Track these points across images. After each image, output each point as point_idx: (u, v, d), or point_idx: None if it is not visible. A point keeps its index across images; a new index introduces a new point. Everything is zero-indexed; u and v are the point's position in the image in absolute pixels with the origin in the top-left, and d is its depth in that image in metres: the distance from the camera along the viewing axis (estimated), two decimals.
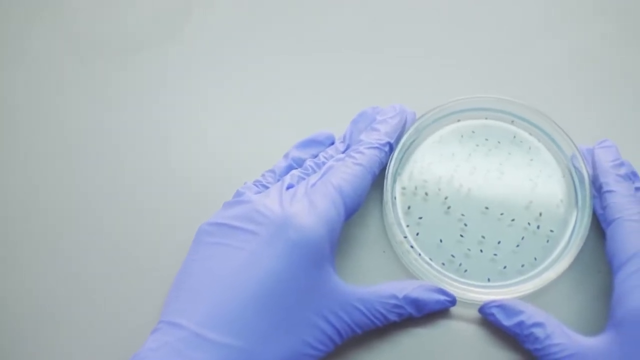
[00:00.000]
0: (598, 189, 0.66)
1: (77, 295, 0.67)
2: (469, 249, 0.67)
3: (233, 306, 0.58)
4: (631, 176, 0.67)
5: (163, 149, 0.73)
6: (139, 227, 0.70)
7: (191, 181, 0.72)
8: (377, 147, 0.66)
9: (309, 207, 0.61)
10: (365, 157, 0.65)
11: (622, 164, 0.66)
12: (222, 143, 0.73)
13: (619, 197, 0.64)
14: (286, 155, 0.69)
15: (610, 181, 0.65)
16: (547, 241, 0.67)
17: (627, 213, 0.63)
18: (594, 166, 0.67)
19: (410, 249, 0.66)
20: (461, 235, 0.68)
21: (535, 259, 0.67)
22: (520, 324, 0.62)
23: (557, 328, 0.61)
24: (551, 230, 0.68)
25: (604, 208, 0.65)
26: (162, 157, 0.73)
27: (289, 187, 0.65)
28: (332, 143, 0.70)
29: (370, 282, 0.64)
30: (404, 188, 0.69)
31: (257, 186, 0.66)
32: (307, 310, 0.59)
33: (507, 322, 0.63)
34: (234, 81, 0.76)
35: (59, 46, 0.79)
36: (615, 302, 0.61)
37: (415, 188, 0.69)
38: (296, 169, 0.68)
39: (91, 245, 0.69)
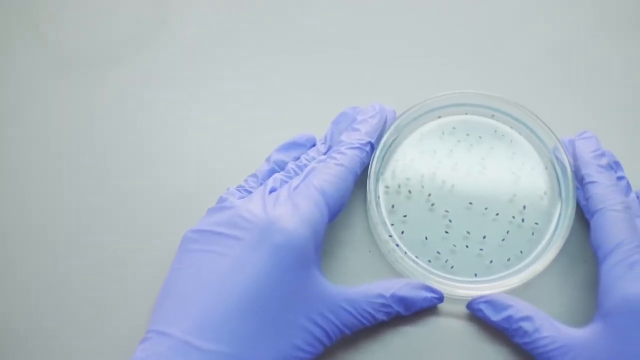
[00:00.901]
0: (580, 181, 0.66)
1: (64, 307, 0.67)
2: (454, 245, 0.67)
3: (220, 313, 0.58)
4: (613, 166, 0.67)
5: (146, 158, 0.73)
6: (123, 236, 0.70)
7: (175, 189, 0.71)
8: (358, 148, 0.66)
9: (292, 210, 0.61)
10: (347, 157, 0.65)
11: (603, 155, 0.67)
12: (205, 150, 0.73)
13: (602, 187, 0.64)
14: (268, 159, 0.69)
15: (592, 172, 0.65)
16: (533, 234, 0.68)
17: (610, 203, 0.63)
18: (575, 158, 0.67)
19: (396, 248, 0.66)
20: (446, 232, 0.68)
21: (522, 252, 0.67)
22: (509, 318, 0.62)
23: (546, 321, 0.61)
24: (536, 223, 0.68)
25: (587, 199, 0.65)
26: (146, 166, 0.73)
27: (272, 191, 0.64)
28: (314, 145, 0.70)
29: (358, 282, 0.64)
30: (387, 187, 0.69)
31: (240, 191, 0.66)
32: (295, 313, 0.59)
33: (495, 317, 0.63)
34: (213, 88, 0.76)
35: (38, 60, 0.78)
36: (602, 293, 0.61)
37: (399, 187, 0.69)
38: (279, 172, 0.67)
39: (76, 256, 0.69)
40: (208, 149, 0.73)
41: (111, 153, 0.73)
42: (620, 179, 0.67)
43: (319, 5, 0.81)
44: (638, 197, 0.67)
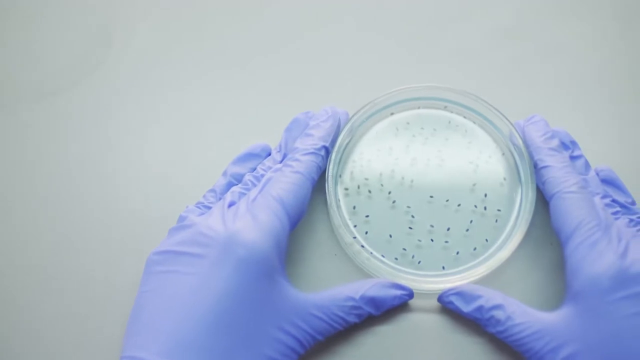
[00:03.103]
0: (535, 166, 0.66)
1: (33, 337, 0.66)
2: (419, 240, 0.67)
3: (190, 332, 0.58)
4: (570, 145, 0.68)
5: (102, 185, 0.72)
6: (89, 264, 0.69)
7: (135, 212, 0.71)
8: (313, 153, 0.66)
9: (252, 222, 0.61)
10: (302, 164, 0.65)
11: (552, 137, 0.67)
12: (161, 170, 0.72)
13: (554, 171, 0.64)
14: (224, 173, 0.69)
15: (544, 157, 0.66)
16: (496, 221, 0.68)
17: (564, 185, 0.63)
18: (526, 144, 0.68)
19: (361, 249, 0.66)
20: (410, 228, 0.67)
21: (487, 240, 0.67)
22: (480, 308, 0.62)
23: (517, 308, 0.61)
24: (498, 210, 0.68)
25: (543, 184, 0.65)
26: (102, 192, 0.72)
27: (231, 204, 0.64)
28: (269, 154, 0.70)
29: (326, 287, 0.64)
30: (346, 189, 0.69)
31: (199, 208, 0.66)
32: (265, 324, 0.59)
33: (466, 308, 0.63)
34: (161, 109, 0.76)
35: None
36: (569, 274, 0.61)
37: (358, 187, 0.69)
38: (236, 185, 0.67)
39: (41, 285, 0.68)
40: (164, 169, 0.73)
41: (65, 182, 0.72)
42: (576, 157, 0.67)
43: (257, 17, 0.81)
44: (597, 174, 0.67)
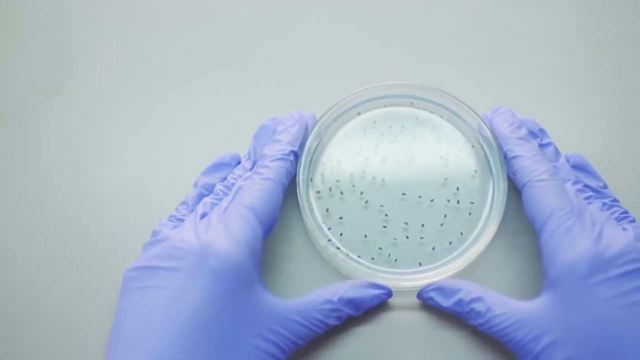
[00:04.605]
0: (505, 157, 0.66)
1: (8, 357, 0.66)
2: (394, 238, 0.67)
3: (168, 346, 0.57)
4: (538, 134, 0.68)
5: (75, 203, 0.72)
6: (67, 280, 0.68)
7: (109, 230, 0.70)
8: (281, 158, 0.65)
9: (225, 232, 0.60)
10: (271, 170, 0.65)
11: (519, 127, 0.67)
12: (132, 186, 0.72)
13: (524, 160, 0.65)
14: (195, 184, 0.68)
15: (513, 147, 0.66)
16: (470, 214, 0.68)
17: (535, 174, 0.63)
18: (494, 136, 0.68)
19: (337, 251, 0.66)
20: (384, 227, 0.67)
21: (462, 233, 0.67)
22: (460, 302, 0.62)
23: (497, 299, 0.61)
24: (471, 203, 0.68)
25: (513, 174, 0.66)
26: (77, 211, 0.71)
27: (203, 215, 0.64)
28: (239, 162, 0.69)
29: (305, 291, 0.63)
30: (318, 192, 0.69)
31: (172, 221, 0.66)
32: (245, 333, 0.59)
33: (446, 303, 0.63)
34: (127, 125, 0.75)
35: None
36: (545, 262, 0.61)
37: (330, 189, 0.69)
38: (207, 195, 0.67)
39: (19, 303, 0.68)
40: (135, 185, 0.72)
41: (40, 201, 0.72)
42: (545, 145, 0.68)
43: (218, 28, 0.81)
44: (567, 160, 0.68)
